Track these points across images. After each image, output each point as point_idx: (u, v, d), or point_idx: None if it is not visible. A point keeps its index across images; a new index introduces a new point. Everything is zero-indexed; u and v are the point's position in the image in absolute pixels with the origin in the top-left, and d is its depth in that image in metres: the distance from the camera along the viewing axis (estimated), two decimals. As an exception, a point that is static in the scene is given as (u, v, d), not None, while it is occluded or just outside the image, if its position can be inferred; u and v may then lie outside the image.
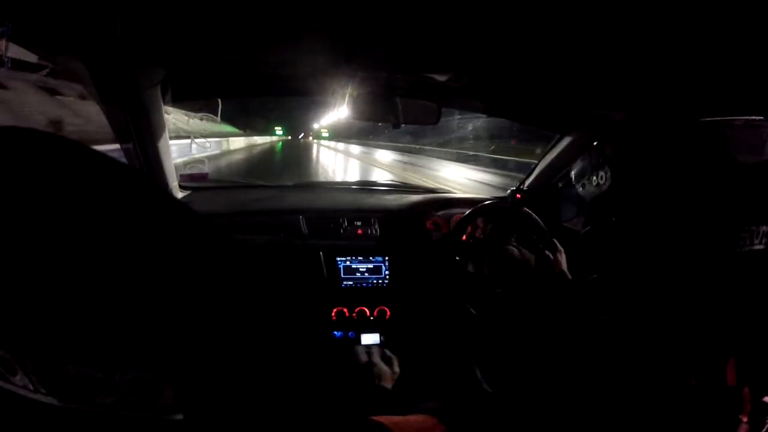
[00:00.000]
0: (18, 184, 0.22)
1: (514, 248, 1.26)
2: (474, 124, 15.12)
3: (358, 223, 1.38)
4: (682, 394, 0.54)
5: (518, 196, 1.59)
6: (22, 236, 0.22)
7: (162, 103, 1.13)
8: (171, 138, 1.22)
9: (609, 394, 0.56)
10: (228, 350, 0.25)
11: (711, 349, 0.55)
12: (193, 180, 1.53)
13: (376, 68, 1.08)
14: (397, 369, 0.85)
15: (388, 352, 0.89)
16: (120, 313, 0.22)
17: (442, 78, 1.08)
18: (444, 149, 16.02)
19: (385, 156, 19.91)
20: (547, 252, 1.18)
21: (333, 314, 1.27)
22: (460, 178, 9.75)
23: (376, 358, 0.86)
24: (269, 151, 23.36)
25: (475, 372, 1.29)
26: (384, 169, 13.15)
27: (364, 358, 0.86)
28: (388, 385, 0.79)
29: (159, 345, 0.23)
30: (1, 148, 0.23)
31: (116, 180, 0.25)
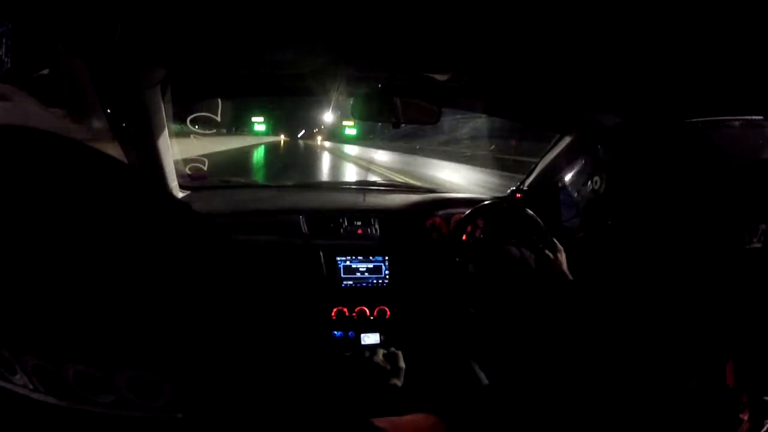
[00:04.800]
0: (19, 183, 0.22)
1: (514, 248, 1.26)
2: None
3: (358, 223, 1.38)
4: (681, 394, 0.54)
5: (518, 195, 1.59)
6: (22, 236, 0.22)
7: (162, 103, 1.13)
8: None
9: (607, 393, 0.56)
10: (227, 349, 0.25)
11: (710, 349, 0.55)
12: (193, 180, 1.53)
13: (377, 68, 1.08)
14: (401, 365, 0.85)
15: (390, 350, 0.89)
16: (120, 313, 0.22)
17: (442, 78, 1.08)
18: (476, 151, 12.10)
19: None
20: (547, 252, 1.18)
21: (333, 314, 1.27)
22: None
23: (377, 358, 0.86)
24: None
25: (475, 371, 1.29)
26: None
27: (364, 357, 0.86)
28: (389, 384, 0.79)
29: (159, 344, 0.23)
30: (3, 147, 0.23)
31: (117, 180, 0.25)
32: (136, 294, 0.22)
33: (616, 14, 0.56)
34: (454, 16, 0.65)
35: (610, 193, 0.61)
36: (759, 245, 0.51)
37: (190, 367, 0.24)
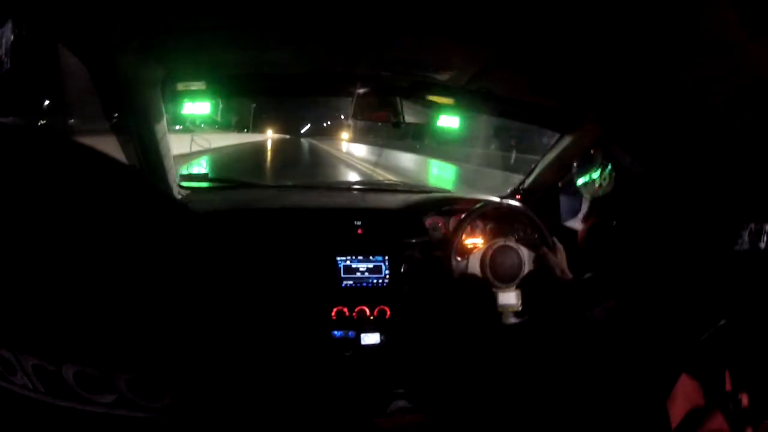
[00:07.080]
0: (18, 182, 0.22)
1: (514, 248, 1.26)
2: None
3: (358, 223, 1.37)
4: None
5: (518, 195, 1.59)
6: (21, 235, 0.22)
7: (162, 103, 1.13)
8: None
9: (606, 393, 0.56)
10: (227, 350, 0.25)
11: (709, 352, 0.55)
12: (193, 180, 1.53)
13: (377, 68, 1.08)
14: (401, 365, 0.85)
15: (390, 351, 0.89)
16: (119, 313, 0.22)
17: (442, 78, 1.08)
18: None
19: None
20: (547, 251, 1.18)
21: (333, 314, 1.27)
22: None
23: (376, 358, 0.86)
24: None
25: (473, 372, 1.29)
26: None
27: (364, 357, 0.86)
28: (389, 385, 0.79)
29: (158, 345, 0.23)
30: (1, 146, 0.23)
31: (116, 180, 0.25)
32: (135, 294, 0.22)
33: (615, 13, 0.56)
34: (454, 17, 0.65)
35: (617, 192, 0.61)
36: (749, 246, 0.51)
37: (190, 368, 0.24)
